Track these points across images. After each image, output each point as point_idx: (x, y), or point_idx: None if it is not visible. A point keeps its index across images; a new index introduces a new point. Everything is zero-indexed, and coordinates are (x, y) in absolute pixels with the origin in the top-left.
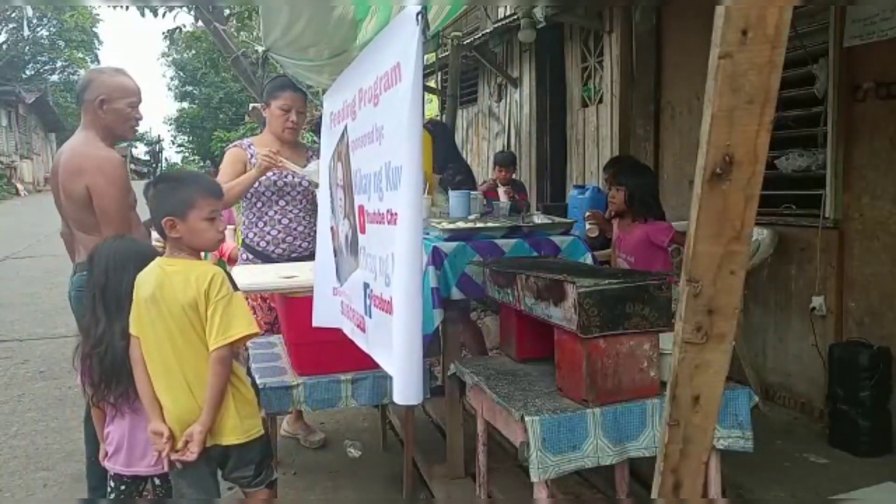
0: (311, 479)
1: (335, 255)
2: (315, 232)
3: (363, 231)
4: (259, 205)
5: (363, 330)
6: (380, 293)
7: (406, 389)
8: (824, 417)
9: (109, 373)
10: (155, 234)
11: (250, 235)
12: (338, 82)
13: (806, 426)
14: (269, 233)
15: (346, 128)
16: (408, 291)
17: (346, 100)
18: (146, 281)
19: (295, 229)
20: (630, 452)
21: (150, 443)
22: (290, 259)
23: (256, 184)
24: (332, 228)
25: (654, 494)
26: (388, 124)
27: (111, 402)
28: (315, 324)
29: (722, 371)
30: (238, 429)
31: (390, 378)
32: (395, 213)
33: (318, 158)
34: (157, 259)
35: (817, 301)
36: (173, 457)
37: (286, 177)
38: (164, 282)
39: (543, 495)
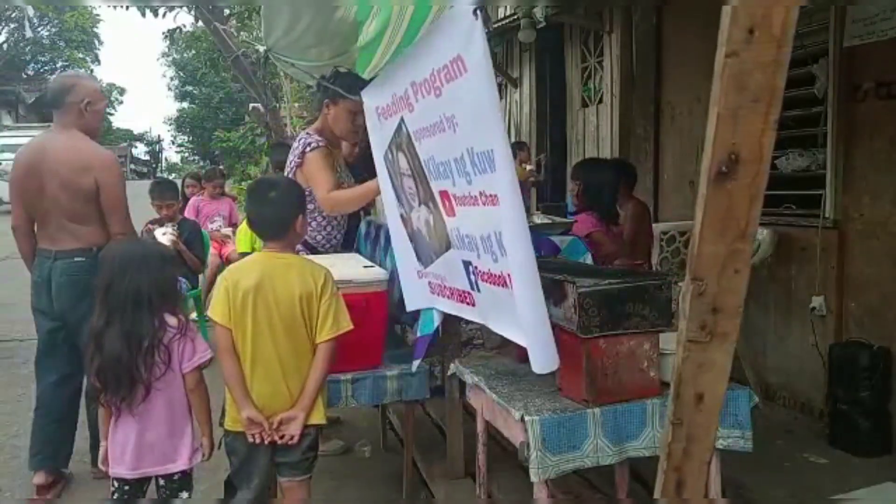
0: (312, 479)
1: (411, 241)
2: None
3: (452, 214)
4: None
5: (471, 304)
6: (487, 269)
7: (541, 358)
8: (824, 417)
9: (107, 375)
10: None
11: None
12: (380, 78)
13: (806, 426)
14: (325, 227)
15: (402, 119)
16: (523, 265)
17: (395, 93)
18: (247, 272)
19: (339, 221)
20: (630, 452)
21: (159, 441)
22: (335, 250)
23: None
24: (402, 216)
25: (656, 494)
26: (460, 113)
27: (114, 404)
28: (408, 308)
29: (725, 370)
30: (320, 410)
31: (390, 378)
32: (492, 195)
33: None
34: (259, 254)
35: (817, 301)
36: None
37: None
38: (274, 273)
39: (543, 495)
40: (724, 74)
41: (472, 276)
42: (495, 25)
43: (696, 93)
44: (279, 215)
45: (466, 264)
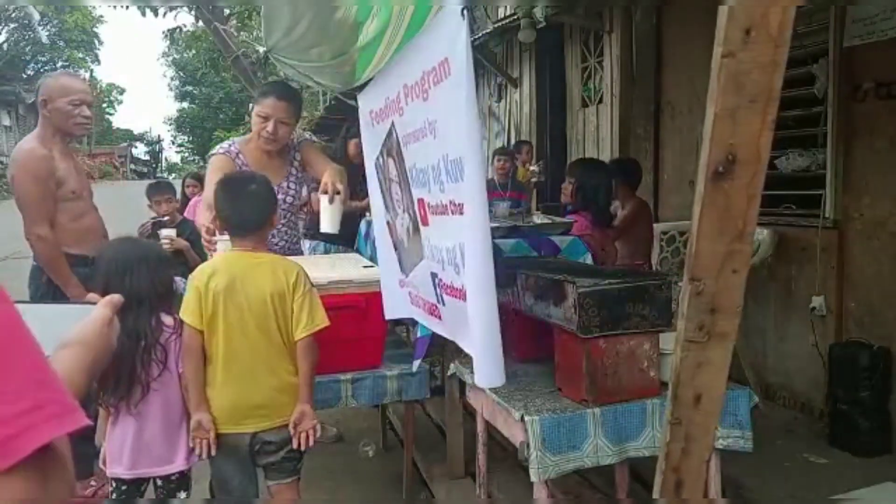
0: (311, 479)
1: (395, 249)
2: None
3: (426, 223)
4: None
5: (438, 317)
6: (450, 282)
7: (487, 373)
8: (824, 417)
9: (106, 374)
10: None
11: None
12: (375, 81)
13: (806, 426)
14: None
15: (392, 124)
16: (479, 279)
17: (388, 97)
18: (216, 272)
19: (276, 244)
20: (630, 452)
21: (156, 441)
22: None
23: None
24: (388, 223)
25: (655, 494)
26: (441, 118)
27: (112, 403)
28: (387, 316)
29: (724, 369)
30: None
31: (390, 378)
32: (460, 204)
33: (299, 171)
34: (229, 253)
35: (817, 301)
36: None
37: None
38: (245, 272)
39: (543, 495)
40: (721, 74)
41: (438, 290)
42: (495, 25)
43: (697, 92)
44: (257, 210)
45: (433, 276)
